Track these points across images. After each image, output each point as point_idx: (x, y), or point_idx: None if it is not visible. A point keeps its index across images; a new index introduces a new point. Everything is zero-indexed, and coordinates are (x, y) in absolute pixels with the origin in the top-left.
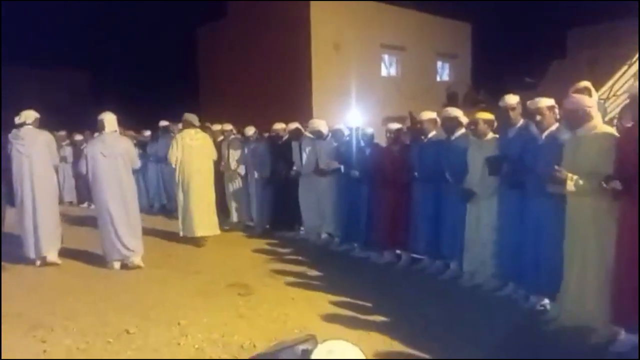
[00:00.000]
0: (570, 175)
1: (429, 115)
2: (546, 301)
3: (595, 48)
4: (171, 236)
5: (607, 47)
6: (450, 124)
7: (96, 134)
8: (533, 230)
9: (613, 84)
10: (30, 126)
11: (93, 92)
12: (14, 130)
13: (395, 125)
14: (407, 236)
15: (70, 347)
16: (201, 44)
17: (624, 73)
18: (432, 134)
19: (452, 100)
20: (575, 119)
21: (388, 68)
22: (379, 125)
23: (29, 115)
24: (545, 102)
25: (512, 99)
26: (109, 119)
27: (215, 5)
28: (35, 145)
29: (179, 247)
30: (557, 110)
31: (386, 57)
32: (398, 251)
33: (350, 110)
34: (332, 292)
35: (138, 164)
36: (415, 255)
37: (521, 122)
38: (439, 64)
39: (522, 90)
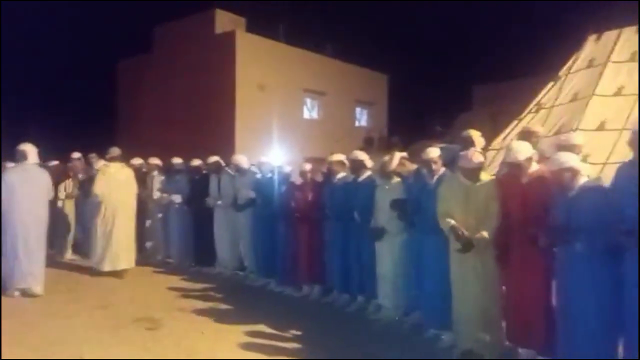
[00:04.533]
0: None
1: (336, 157)
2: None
3: (497, 103)
4: (81, 270)
5: (507, 103)
6: (357, 165)
7: (13, 164)
8: (427, 266)
9: (505, 137)
10: None
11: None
12: None
13: (307, 166)
14: (320, 271)
15: None
16: (122, 77)
17: (514, 127)
18: (341, 175)
19: (368, 144)
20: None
21: (310, 111)
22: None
23: None
24: (436, 152)
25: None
26: (31, 151)
27: (139, 39)
28: None
29: (87, 281)
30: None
31: (308, 100)
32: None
33: (272, 149)
34: (245, 323)
35: (52, 195)
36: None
37: (414, 168)
38: (358, 110)
39: (432, 138)
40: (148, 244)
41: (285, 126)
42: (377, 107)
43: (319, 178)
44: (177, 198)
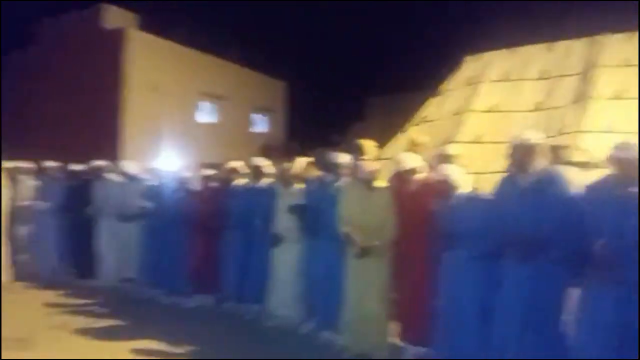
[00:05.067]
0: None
1: (232, 164)
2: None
3: (389, 115)
4: None
5: (398, 115)
6: (257, 172)
7: None
8: (324, 271)
9: (393, 147)
10: None
11: None
12: None
13: (206, 172)
14: (214, 279)
15: None
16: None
17: (400, 139)
18: (240, 181)
19: (266, 150)
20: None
21: (206, 115)
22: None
23: None
24: (344, 157)
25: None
26: None
27: (20, 33)
28: None
29: None
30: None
31: (205, 104)
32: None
33: (165, 153)
34: (133, 339)
35: None
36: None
37: (320, 174)
38: (256, 116)
39: (329, 146)
40: (20, 257)
41: (179, 130)
42: (275, 114)
43: (216, 184)
44: (43, 205)
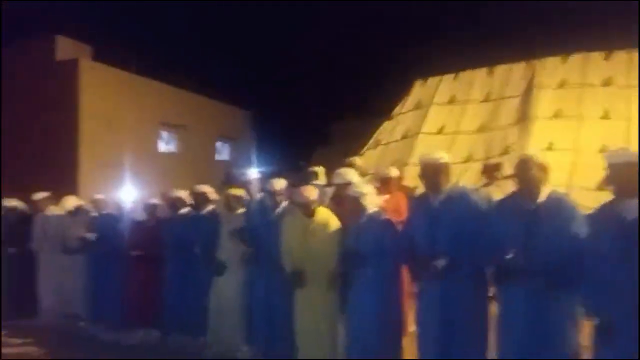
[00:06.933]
0: None
1: (177, 193)
2: None
3: (352, 139)
4: None
5: (361, 140)
6: (199, 198)
7: None
8: (265, 301)
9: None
10: None
11: None
12: None
13: (153, 200)
14: (159, 313)
15: None
16: None
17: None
18: (184, 210)
19: (229, 178)
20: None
21: (167, 144)
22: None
23: None
24: (281, 183)
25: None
26: None
27: None
28: None
29: None
30: None
31: (165, 134)
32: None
33: (124, 184)
34: None
35: None
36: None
37: (259, 196)
38: (219, 144)
39: (295, 171)
40: None
41: (140, 161)
42: (240, 142)
43: (161, 214)
44: None
